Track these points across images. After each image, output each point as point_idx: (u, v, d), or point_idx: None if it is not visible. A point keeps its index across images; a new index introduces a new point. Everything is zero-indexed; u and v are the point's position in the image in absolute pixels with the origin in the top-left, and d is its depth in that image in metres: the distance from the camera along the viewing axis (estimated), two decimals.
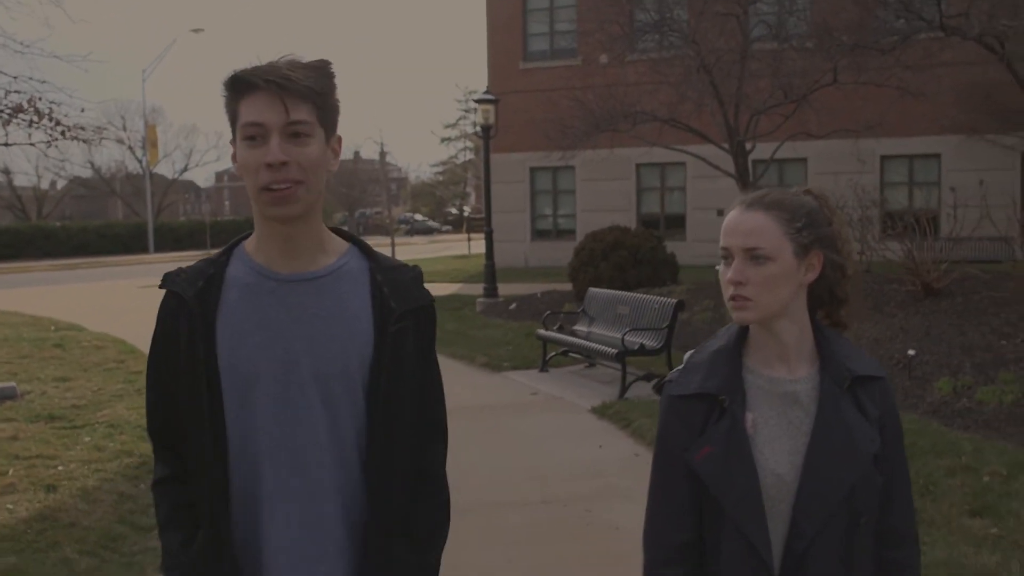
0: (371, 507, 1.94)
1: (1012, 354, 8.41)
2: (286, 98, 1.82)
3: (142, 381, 10.46)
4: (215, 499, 1.91)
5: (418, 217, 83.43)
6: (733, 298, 1.93)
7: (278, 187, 1.83)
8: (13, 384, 10.24)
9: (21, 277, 32.97)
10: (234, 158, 1.94)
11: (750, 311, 1.92)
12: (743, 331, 2.03)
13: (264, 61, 1.89)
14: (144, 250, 51.20)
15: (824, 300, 2.03)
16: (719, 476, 1.91)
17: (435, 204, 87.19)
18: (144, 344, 12.96)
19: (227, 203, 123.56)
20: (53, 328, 16.18)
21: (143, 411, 7.49)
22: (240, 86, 1.85)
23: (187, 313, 1.91)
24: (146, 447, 7.56)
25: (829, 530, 1.88)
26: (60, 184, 76.98)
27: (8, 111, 10.41)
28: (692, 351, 2.10)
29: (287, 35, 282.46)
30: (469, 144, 74.71)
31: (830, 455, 1.89)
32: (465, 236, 42.75)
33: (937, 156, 24.16)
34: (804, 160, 23.99)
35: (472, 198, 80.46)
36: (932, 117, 20.80)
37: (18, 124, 10.89)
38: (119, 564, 5.02)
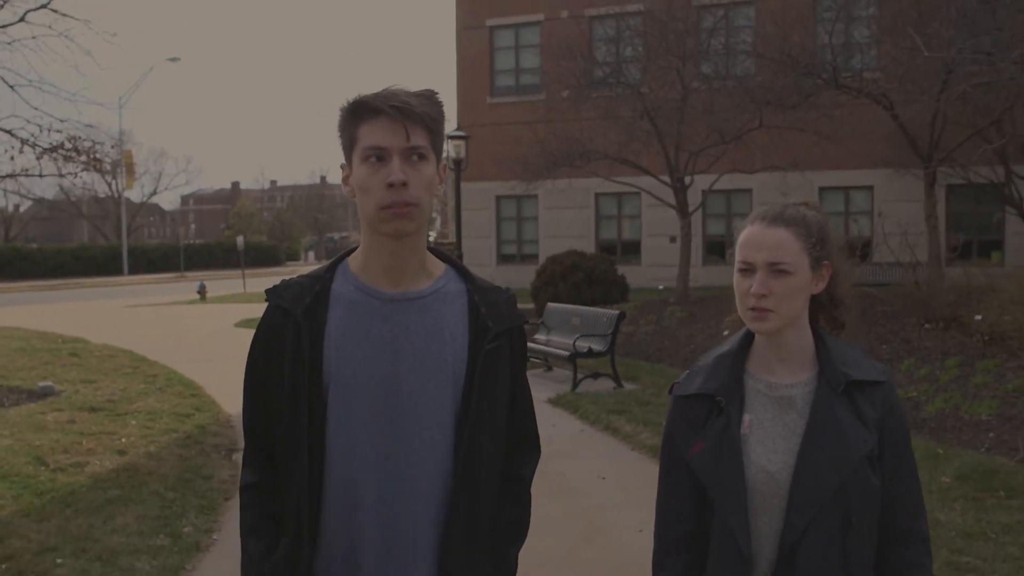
0: (454, 516, 2.00)
1: (888, 355, 10.36)
2: (407, 123, 1.91)
3: (161, 382, 12.34)
4: (306, 508, 1.97)
5: None
6: (754, 308, 2.01)
7: (399, 207, 1.93)
8: (51, 383, 11.80)
9: (4, 297, 34.16)
10: (346, 180, 2.04)
11: (770, 321, 2.01)
12: (747, 337, 2.14)
13: (378, 89, 1.99)
14: (119, 272, 52.36)
15: (824, 305, 2.13)
16: (709, 471, 2.03)
17: None
18: (151, 354, 14.53)
19: (193, 226, 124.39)
20: (60, 340, 17.49)
21: (173, 403, 9.49)
22: (363, 111, 1.94)
23: (294, 326, 1.99)
24: (188, 426, 9.29)
25: (820, 526, 1.96)
26: (24, 206, 77.71)
27: (49, 147, 12.15)
28: (700, 356, 2.24)
29: (260, 63, 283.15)
30: None
31: (820, 455, 1.97)
32: None
33: (870, 188, 26.27)
34: (749, 191, 25.99)
35: (438, 223, 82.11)
36: (865, 153, 22.82)
37: (53, 158, 12.63)
38: (195, 495, 6.79)
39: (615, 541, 5.88)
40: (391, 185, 1.90)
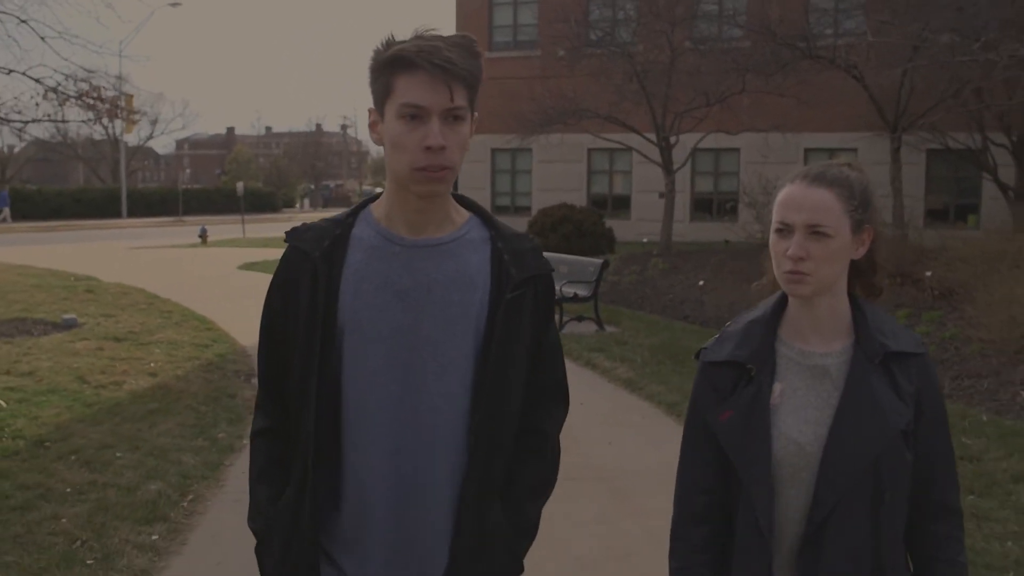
0: (471, 466, 1.95)
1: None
2: (451, 82, 1.82)
3: (177, 317, 13.29)
4: (311, 456, 1.94)
5: (379, 190, 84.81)
6: (790, 272, 1.92)
7: (434, 170, 1.85)
8: (74, 316, 12.63)
9: (7, 237, 34.71)
10: (374, 127, 1.95)
11: (807, 285, 1.92)
12: (780, 303, 2.05)
13: (409, 36, 1.87)
14: (117, 215, 52.91)
15: (863, 270, 2.04)
16: (736, 440, 1.97)
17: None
18: (162, 293, 15.35)
19: (187, 171, 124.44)
20: (73, 279, 18.12)
21: (191, 335, 10.46)
22: (401, 63, 1.83)
23: (311, 269, 1.94)
24: (208, 355, 10.23)
25: (851, 502, 1.90)
26: (19, 147, 77.72)
27: (75, 95, 12.94)
28: (730, 321, 2.14)
29: (256, 8, 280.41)
30: None
31: (854, 428, 1.91)
32: None
33: (854, 150, 27.08)
34: (737, 150, 26.79)
35: None
36: (849, 117, 23.67)
37: (77, 104, 13.42)
38: (224, 410, 7.76)
39: (588, 450, 6.87)
40: (429, 148, 1.83)
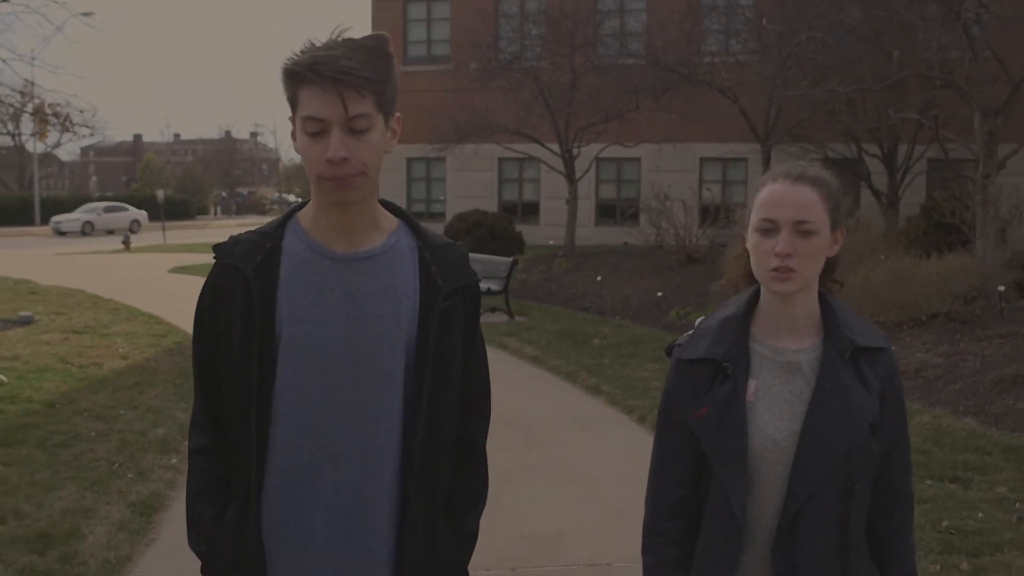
0: (415, 481, 1.97)
1: (721, 297, 13.34)
2: (344, 92, 1.81)
3: (125, 313, 14.58)
4: (254, 471, 1.95)
5: (290, 198, 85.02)
6: (777, 269, 1.94)
7: (338, 179, 1.86)
8: (30, 313, 13.62)
9: None
10: (294, 136, 1.93)
11: (793, 282, 1.95)
12: (752, 301, 2.08)
13: (317, 41, 1.85)
14: (30, 223, 52.96)
15: (829, 267, 2.08)
16: (712, 437, 2.00)
17: (308, 185, 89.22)
18: (101, 291, 16.45)
19: (94, 179, 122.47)
20: (12, 282, 18.84)
21: (145, 328, 12.05)
22: (296, 77, 1.84)
23: (244, 285, 1.95)
24: (166, 342, 11.59)
25: (823, 494, 1.95)
26: None
27: (31, 113, 14.15)
28: (703, 318, 2.19)
29: (169, 17, 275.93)
30: None
31: (827, 422, 1.96)
32: None
33: (745, 159, 29.30)
34: (638, 159, 28.80)
35: None
36: (735, 129, 25.88)
37: (33, 121, 14.57)
38: None
39: (503, 406, 8.39)
40: (329, 161, 1.84)
